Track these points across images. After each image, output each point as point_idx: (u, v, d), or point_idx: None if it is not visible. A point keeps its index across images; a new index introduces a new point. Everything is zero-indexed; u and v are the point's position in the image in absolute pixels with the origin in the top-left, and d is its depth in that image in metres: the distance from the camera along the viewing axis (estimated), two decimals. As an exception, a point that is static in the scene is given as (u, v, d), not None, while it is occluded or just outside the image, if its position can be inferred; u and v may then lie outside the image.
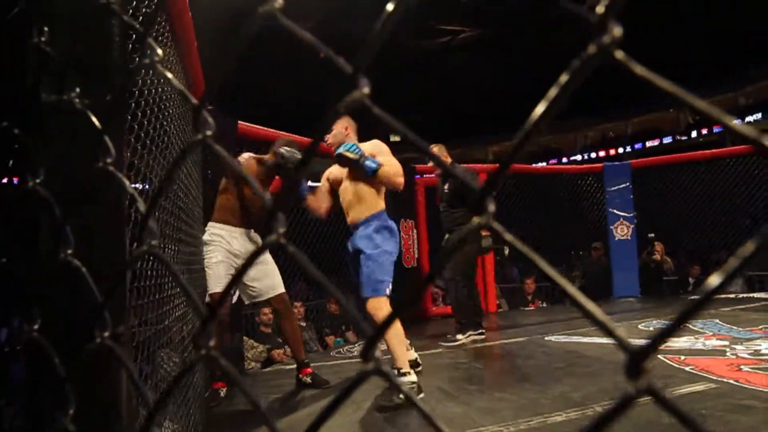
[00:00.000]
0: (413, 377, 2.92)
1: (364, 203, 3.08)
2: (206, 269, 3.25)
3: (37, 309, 0.54)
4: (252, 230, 3.44)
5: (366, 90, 0.30)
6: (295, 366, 3.52)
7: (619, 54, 0.25)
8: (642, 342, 0.26)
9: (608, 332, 0.26)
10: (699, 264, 7.75)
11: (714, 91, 23.46)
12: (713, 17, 18.70)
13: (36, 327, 0.53)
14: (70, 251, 0.52)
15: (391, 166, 2.99)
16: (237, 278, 0.45)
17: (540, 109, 0.26)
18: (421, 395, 2.92)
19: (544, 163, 22.58)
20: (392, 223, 3.12)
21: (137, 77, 1.71)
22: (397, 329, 2.92)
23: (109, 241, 0.58)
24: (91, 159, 0.49)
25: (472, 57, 24.50)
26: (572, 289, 0.27)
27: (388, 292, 2.96)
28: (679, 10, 18.95)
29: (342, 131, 3.13)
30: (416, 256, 6.35)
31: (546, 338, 4.56)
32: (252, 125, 4.21)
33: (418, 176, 6.52)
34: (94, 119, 0.52)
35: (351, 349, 4.67)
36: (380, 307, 2.88)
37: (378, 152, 3.03)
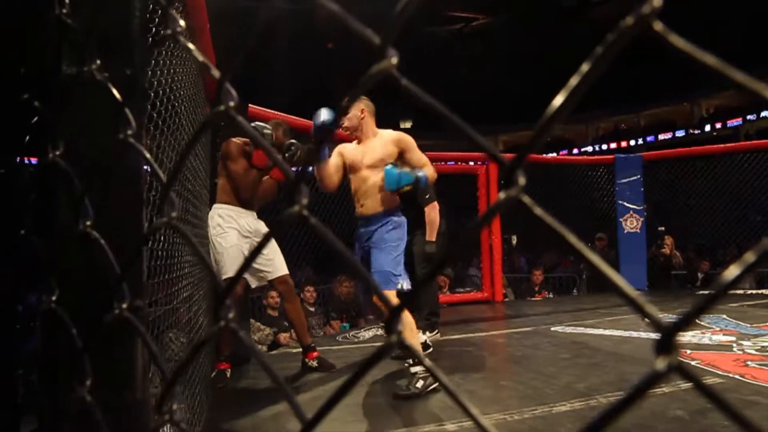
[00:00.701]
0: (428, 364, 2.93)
1: (381, 196, 3.01)
2: (217, 254, 3.20)
3: (55, 281, 0.55)
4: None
5: (394, 60, 0.30)
6: (300, 349, 3.52)
7: (658, 25, 0.25)
8: (673, 319, 0.25)
9: (639, 309, 0.26)
10: (709, 259, 7.70)
11: (729, 85, 23.06)
12: (727, 11, 18.40)
13: (54, 298, 0.53)
14: (89, 223, 0.52)
15: (428, 166, 2.98)
16: (253, 255, 0.45)
17: (573, 81, 0.26)
18: (436, 384, 2.88)
19: (555, 154, 22.41)
20: (404, 219, 3.09)
21: (160, 48, 1.72)
22: (408, 320, 2.90)
23: (127, 213, 0.59)
24: (110, 131, 0.49)
25: (484, 45, 24.30)
26: (605, 267, 0.27)
27: (399, 286, 2.95)
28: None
29: (357, 114, 3.04)
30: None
31: (552, 328, 4.57)
32: (263, 108, 4.20)
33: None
34: (114, 91, 0.52)
35: (357, 334, 4.69)
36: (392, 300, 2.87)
37: (408, 148, 2.99)
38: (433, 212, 4.00)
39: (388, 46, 0.30)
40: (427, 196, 3.89)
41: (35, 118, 0.60)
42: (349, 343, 4.36)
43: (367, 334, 4.65)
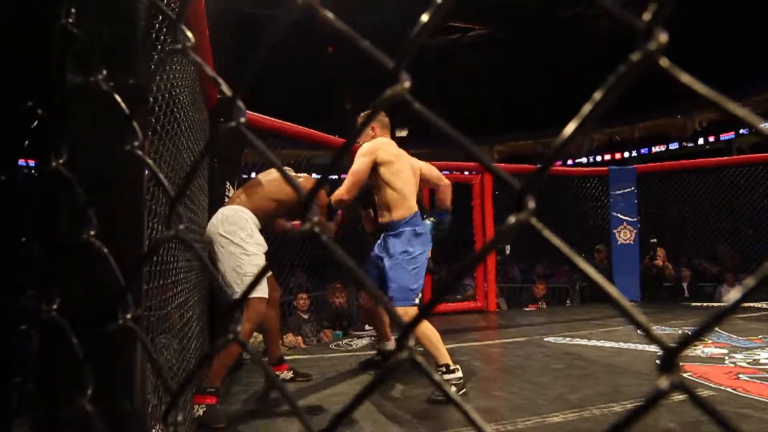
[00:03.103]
0: (459, 374, 2.88)
1: (396, 205, 3.04)
2: (239, 271, 2.86)
3: (56, 290, 0.54)
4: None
5: (407, 84, 0.30)
6: (290, 356, 3.49)
7: (664, 62, 0.25)
8: (676, 340, 0.26)
9: (644, 330, 0.26)
10: (689, 268, 7.73)
11: (748, 94, 23.15)
12: (748, 16, 18.57)
13: (54, 307, 0.53)
14: (93, 232, 0.52)
15: (447, 188, 3.31)
16: (262, 274, 0.45)
17: (586, 110, 0.26)
18: (464, 391, 2.91)
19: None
20: (423, 227, 3.08)
21: (168, 62, 1.72)
22: (430, 330, 2.89)
23: (129, 223, 0.59)
24: (114, 142, 0.50)
25: (480, 55, 24.44)
26: (611, 289, 0.27)
27: (417, 300, 2.94)
28: (714, 9, 18.83)
29: (369, 132, 3.07)
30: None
31: (545, 339, 4.57)
32: (261, 115, 4.20)
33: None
34: (121, 103, 0.52)
35: (350, 342, 4.68)
36: (409, 315, 2.83)
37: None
38: None
39: (401, 70, 0.30)
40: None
41: (35, 123, 0.60)
42: (342, 351, 4.34)
43: (360, 342, 4.64)
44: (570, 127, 0.28)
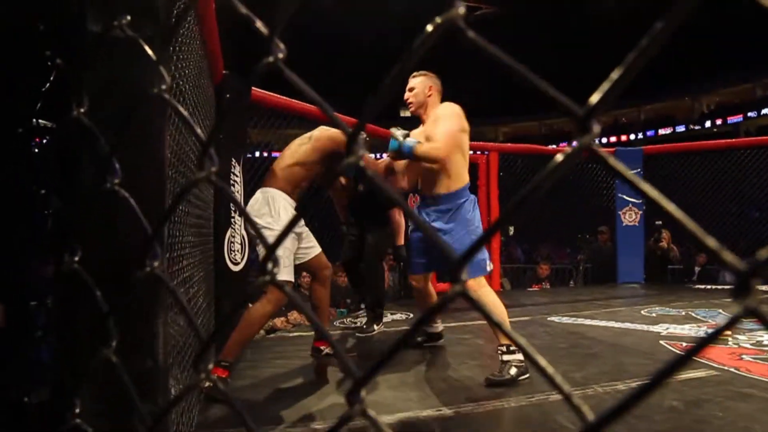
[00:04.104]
0: (521, 356, 2.67)
1: (461, 173, 2.85)
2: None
3: (78, 241, 0.54)
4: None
5: (462, 10, 0.29)
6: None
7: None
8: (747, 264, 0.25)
9: (716, 256, 0.25)
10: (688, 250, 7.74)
11: (731, 82, 23.09)
12: (733, 7, 18.35)
13: (76, 259, 0.53)
14: (117, 181, 0.51)
15: (435, 144, 2.75)
16: (283, 234, 0.44)
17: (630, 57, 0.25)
18: (527, 375, 2.71)
19: (555, 146, 22.41)
20: (470, 197, 2.92)
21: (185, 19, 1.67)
22: (499, 307, 2.71)
23: (152, 171, 0.58)
24: (137, 89, 0.48)
25: (487, 35, 24.13)
26: (688, 220, 0.26)
27: (488, 269, 2.82)
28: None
29: (425, 91, 2.87)
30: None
31: (549, 318, 4.58)
32: (266, 92, 4.16)
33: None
34: (147, 48, 0.51)
35: (354, 320, 4.70)
36: (482, 285, 2.74)
37: (440, 117, 2.81)
38: (397, 215, 4.05)
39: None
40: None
41: (51, 78, 0.59)
42: (345, 328, 4.37)
43: (363, 320, 4.66)
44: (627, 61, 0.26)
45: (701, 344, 0.25)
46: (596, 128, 0.28)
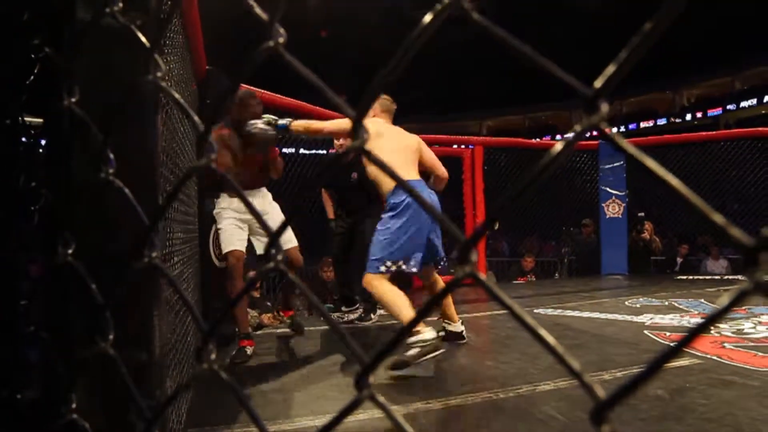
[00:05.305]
0: (425, 335, 2.77)
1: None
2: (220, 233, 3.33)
3: (71, 234, 0.53)
4: (262, 188, 3.48)
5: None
6: (283, 329, 3.51)
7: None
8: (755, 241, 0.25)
9: (724, 229, 0.26)
10: (687, 245, 7.85)
11: (711, 75, 23.42)
12: (712, 2, 18.62)
13: (70, 252, 0.51)
14: (111, 171, 0.50)
15: (441, 180, 3.44)
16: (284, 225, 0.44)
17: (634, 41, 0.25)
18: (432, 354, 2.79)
19: (539, 140, 22.57)
20: (397, 200, 3.02)
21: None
22: (391, 294, 2.91)
23: (145, 161, 0.57)
24: (129, 77, 0.47)
25: (470, 30, 24.17)
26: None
27: (382, 269, 2.94)
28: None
29: (369, 113, 3.05)
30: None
31: (535, 311, 4.62)
32: (253, 88, 4.12)
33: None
34: (141, 36, 0.50)
35: (341, 316, 4.69)
36: (369, 281, 2.96)
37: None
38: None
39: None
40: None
41: (42, 62, 0.58)
42: (342, 322, 4.36)
43: (351, 315, 4.66)
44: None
45: (712, 318, 0.26)
46: (604, 107, 0.29)
